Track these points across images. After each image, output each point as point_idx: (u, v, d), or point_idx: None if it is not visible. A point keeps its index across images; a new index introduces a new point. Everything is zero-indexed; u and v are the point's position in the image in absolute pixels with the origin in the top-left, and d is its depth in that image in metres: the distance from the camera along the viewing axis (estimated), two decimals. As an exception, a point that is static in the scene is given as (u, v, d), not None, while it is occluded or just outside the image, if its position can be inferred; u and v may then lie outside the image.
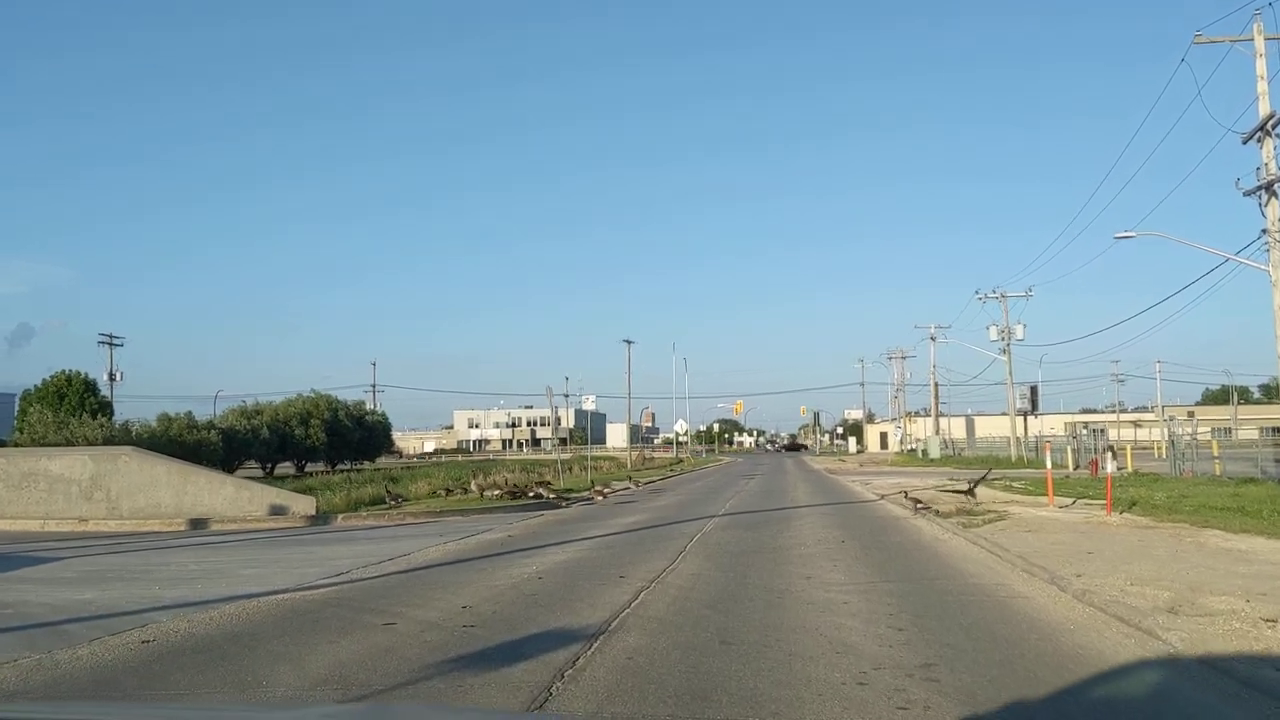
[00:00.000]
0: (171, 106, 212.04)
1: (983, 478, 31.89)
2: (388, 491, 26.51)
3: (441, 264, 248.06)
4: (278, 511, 22.64)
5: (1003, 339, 62.09)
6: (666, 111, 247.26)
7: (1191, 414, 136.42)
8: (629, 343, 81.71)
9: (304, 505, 22.99)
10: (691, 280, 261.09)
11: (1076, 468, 53.86)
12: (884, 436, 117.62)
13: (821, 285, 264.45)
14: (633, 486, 29.14)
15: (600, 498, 29.58)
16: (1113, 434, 78.39)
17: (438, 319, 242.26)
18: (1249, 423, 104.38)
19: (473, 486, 27.74)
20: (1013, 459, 61.74)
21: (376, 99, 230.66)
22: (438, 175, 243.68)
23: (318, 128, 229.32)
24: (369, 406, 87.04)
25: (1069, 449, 56.48)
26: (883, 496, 31.10)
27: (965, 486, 28.02)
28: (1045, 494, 30.55)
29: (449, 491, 26.80)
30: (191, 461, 61.71)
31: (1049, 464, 25.56)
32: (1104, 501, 26.28)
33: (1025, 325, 62.12)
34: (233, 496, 22.87)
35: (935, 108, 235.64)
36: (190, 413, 66.56)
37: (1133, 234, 31.41)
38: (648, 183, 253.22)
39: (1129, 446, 59.25)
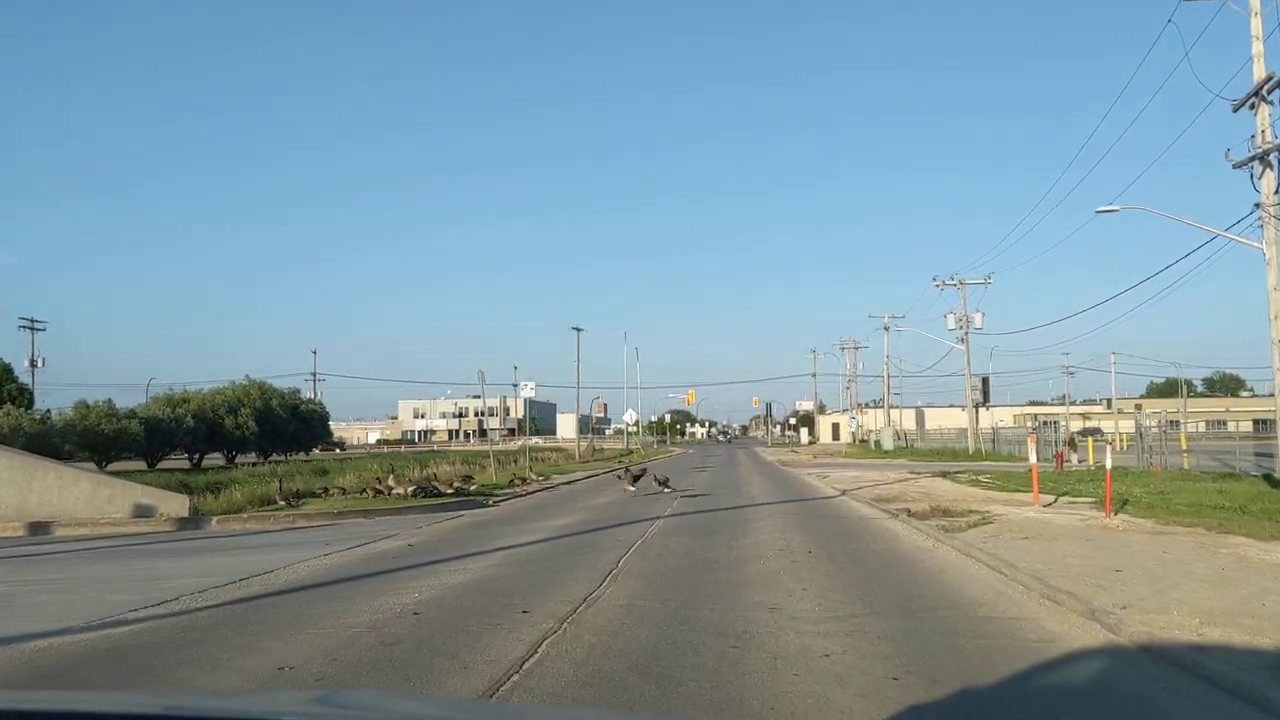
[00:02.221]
0: (112, 87, 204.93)
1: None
2: (281, 490, 23.07)
3: (391, 249, 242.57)
4: (143, 513, 19.17)
5: (960, 328, 59.53)
6: (613, 99, 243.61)
7: (1139, 406, 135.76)
8: (578, 330, 78.43)
9: (175, 506, 19.50)
10: (644, 270, 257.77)
11: (1038, 460, 51.54)
12: (836, 428, 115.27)
13: (774, 276, 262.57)
14: (537, 482, 25.75)
15: (528, 493, 26.29)
16: (1070, 426, 76.22)
17: (383, 306, 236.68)
18: (1195, 415, 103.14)
19: (391, 481, 24.30)
20: (969, 451, 59.25)
21: (324, 80, 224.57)
22: (390, 158, 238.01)
23: (271, 108, 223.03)
24: (305, 395, 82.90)
25: (1029, 441, 53.97)
26: (844, 492, 28.11)
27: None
28: (1019, 490, 27.77)
29: (363, 490, 23.35)
30: (111, 453, 58.49)
31: (1034, 458, 22.71)
32: (1090, 500, 23.51)
33: (984, 314, 59.62)
34: (89, 495, 19.30)
35: (892, 93, 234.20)
36: (110, 400, 62.33)
37: (1115, 208, 28.65)
38: (598, 171, 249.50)
39: (1090, 440, 57.03)
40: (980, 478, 34.15)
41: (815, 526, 18.28)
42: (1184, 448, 41.85)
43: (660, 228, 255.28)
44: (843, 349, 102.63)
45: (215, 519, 19.30)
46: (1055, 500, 23.47)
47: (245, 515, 19.76)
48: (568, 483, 34.90)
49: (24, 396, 76.66)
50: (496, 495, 26.31)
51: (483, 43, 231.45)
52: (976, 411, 62.51)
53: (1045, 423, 67.29)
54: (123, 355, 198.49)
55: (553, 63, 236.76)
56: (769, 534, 16.73)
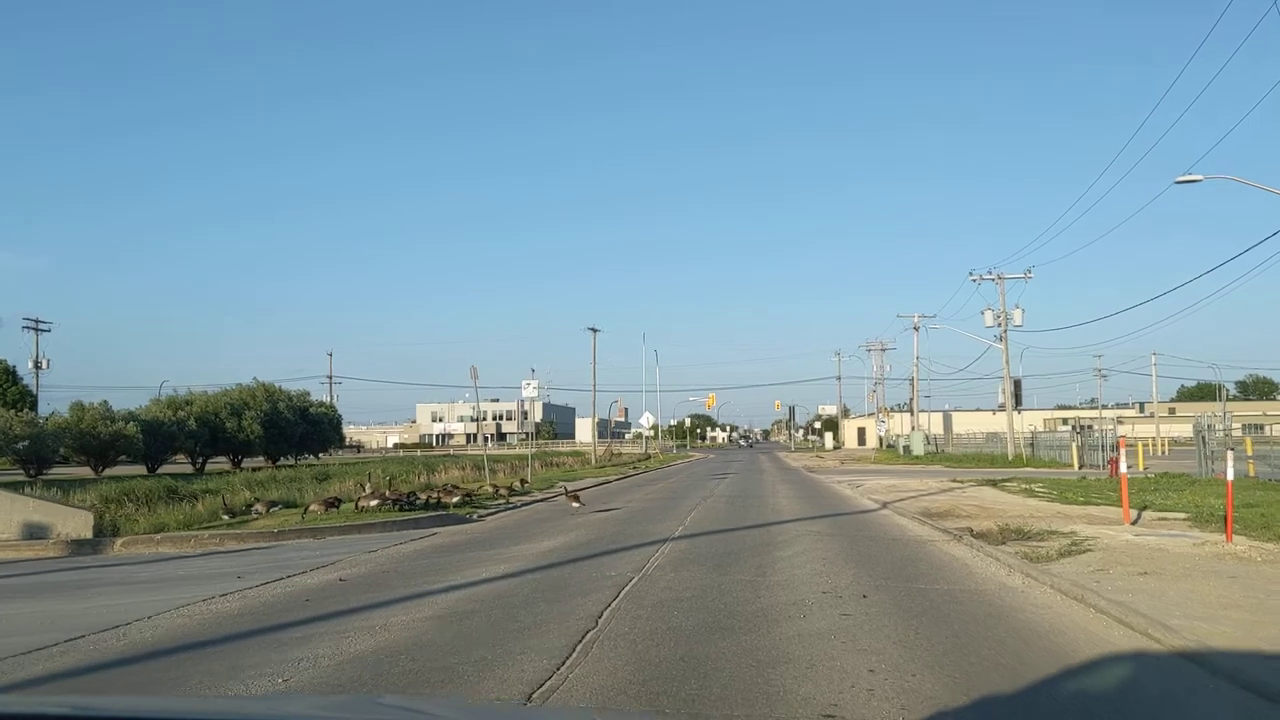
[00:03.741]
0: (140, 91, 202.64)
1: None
2: (225, 506, 19.34)
3: (408, 254, 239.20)
4: (35, 533, 15.48)
5: (999, 325, 55.29)
6: (631, 106, 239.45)
7: (1173, 410, 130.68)
8: (594, 331, 74.68)
9: (75, 525, 15.76)
10: (663, 273, 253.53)
11: (1081, 466, 47.32)
12: (862, 432, 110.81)
13: (796, 277, 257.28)
14: (574, 502, 21.87)
15: (524, 505, 22.43)
16: (1106, 431, 71.73)
17: (402, 311, 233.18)
18: (1233, 419, 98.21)
19: (367, 490, 20.47)
20: (1009, 457, 55.02)
21: (347, 86, 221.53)
22: (406, 164, 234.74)
23: (291, 112, 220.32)
24: (316, 398, 79.35)
25: (1074, 446, 49.80)
26: (884, 505, 24.15)
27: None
28: (1089, 503, 23.77)
29: (330, 504, 19.49)
30: (107, 457, 54.98)
31: (1124, 465, 18.59)
32: (1182, 515, 19.51)
33: (1024, 310, 55.29)
34: (-37, 512, 15.60)
35: (922, 92, 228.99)
36: (105, 403, 58.84)
37: (1198, 177, 24.58)
38: (618, 176, 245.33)
39: (1140, 445, 52.70)
40: (1033, 486, 30.10)
41: (862, 554, 14.35)
42: (1250, 453, 37.65)
43: (680, 230, 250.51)
44: (869, 351, 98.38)
45: (120, 541, 15.54)
46: (1139, 516, 19.47)
47: (159, 537, 15.96)
48: (576, 491, 31.04)
49: (26, 399, 73.85)
50: (487, 507, 22.49)
51: (497, 50, 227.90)
52: (1007, 415, 58.26)
53: (1082, 427, 63.16)
54: (138, 360, 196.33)
55: (568, 69, 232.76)
56: (806, 565, 12.81)
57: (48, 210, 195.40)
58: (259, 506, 19.65)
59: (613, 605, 9.73)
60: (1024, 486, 30.29)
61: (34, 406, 71.04)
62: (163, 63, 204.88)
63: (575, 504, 22.07)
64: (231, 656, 7.81)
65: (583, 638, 8.18)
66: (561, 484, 33.92)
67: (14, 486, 20.80)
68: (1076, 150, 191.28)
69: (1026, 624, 9.05)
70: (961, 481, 34.15)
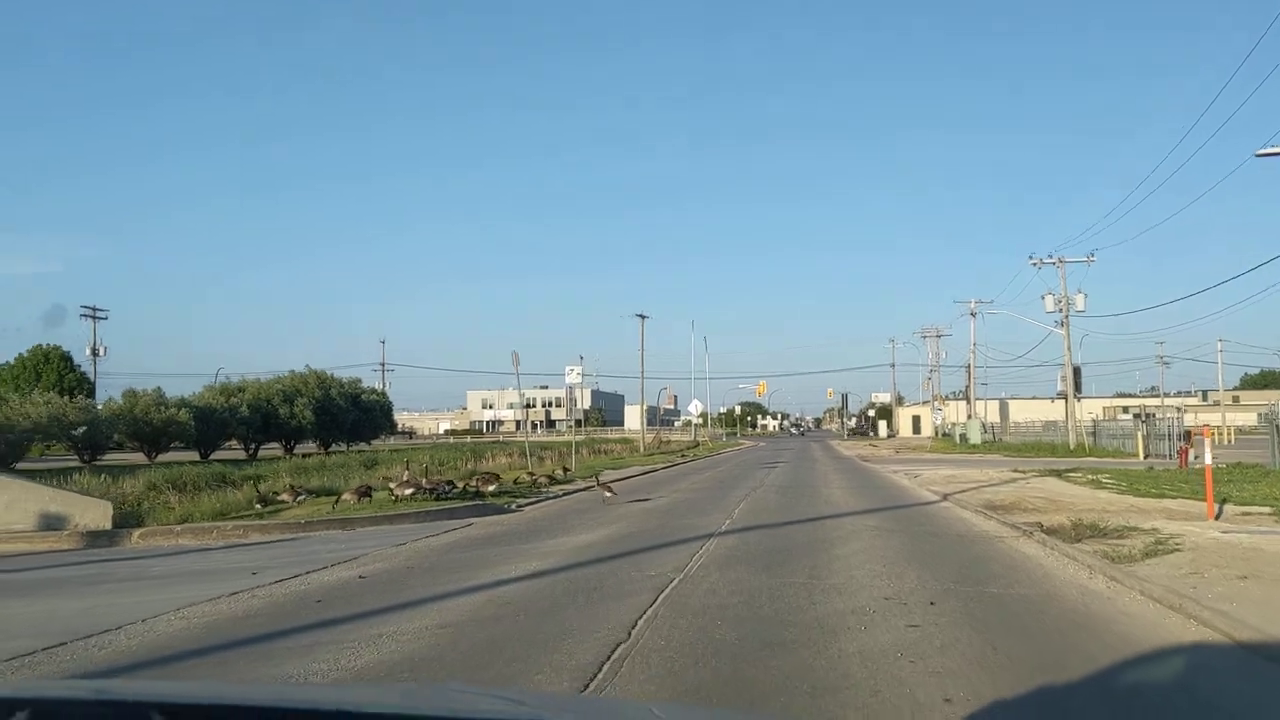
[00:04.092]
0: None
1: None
2: (257, 494, 18.57)
3: (457, 238, 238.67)
4: (53, 524, 14.77)
5: (1060, 310, 53.40)
6: (681, 88, 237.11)
7: (1236, 398, 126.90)
8: (642, 317, 73.70)
9: (94, 516, 15.01)
10: (714, 259, 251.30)
11: (1147, 456, 45.47)
12: (916, 420, 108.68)
13: (850, 263, 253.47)
14: (606, 492, 20.84)
15: (564, 495, 21.46)
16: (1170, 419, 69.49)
17: (454, 297, 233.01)
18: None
19: (392, 484, 19.57)
20: (1070, 446, 53.18)
21: (383, 64, 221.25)
22: (453, 146, 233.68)
23: (338, 91, 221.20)
24: (367, 385, 79.18)
25: (1139, 435, 47.90)
26: (945, 496, 22.89)
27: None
28: (1163, 495, 22.24)
29: (363, 493, 18.62)
30: (160, 443, 54.98)
31: (1207, 456, 17.16)
32: (1268, 509, 18.12)
33: (1086, 295, 53.32)
34: (-21, 501, 14.91)
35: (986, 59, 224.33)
36: (159, 389, 58.98)
37: (1276, 150, 22.94)
38: (665, 159, 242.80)
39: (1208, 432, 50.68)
40: (1100, 477, 28.58)
41: (925, 551, 13.19)
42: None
43: (733, 216, 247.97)
44: (924, 337, 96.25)
45: (138, 533, 14.78)
46: (1221, 510, 18.06)
47: (180, 528, 15.16)
48: (618, 480, 30.02)
49: (83, 386, 74.40)
50: (527, 496, 21.58)
51: (548, 31, 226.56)
52: (1068, 403, 56.37)
53: (1147, 415, 61.10)
54: (199, 349, 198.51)
55: (617, 53, 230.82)
56: (865, 566, 11.68)
57: (109, 198, 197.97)
58: (285, 495, 18.82)
59: (649, 612, 8.69)
60: (1090, 477, 28.79)
61: (91, 393, 71.57)
62: (226, 60, 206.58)
63: (608, 494, 21.09)
64: (217, 669, 6.90)
65: (612, 653, 7.15)
66: (606, 471, 33.02)
67: (34, 475, 20.22)
68: (1145, 126, 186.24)
69: (1121, 638, 7.89)
70: (1024, 472, 32.67)
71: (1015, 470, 34.05)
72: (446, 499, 19.27)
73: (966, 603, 9.30)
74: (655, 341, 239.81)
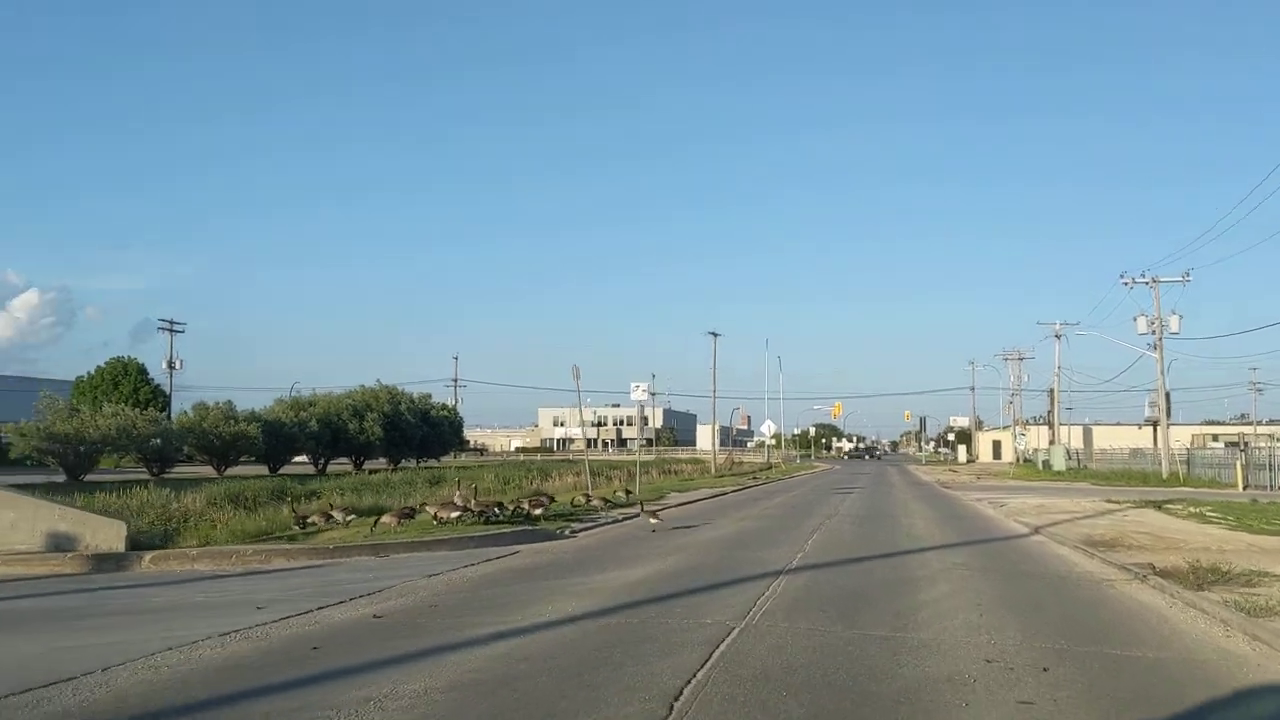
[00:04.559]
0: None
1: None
2: (294, 514, 17.37)
3: (532, 255, 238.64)
4: (62, 544, 13.62)
5: (1153, 331, 50.62)
6: (756, 99, 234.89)
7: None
8: (714, 335, 72.19)
9: (106, 536, 13.83)
10: (789, 277, 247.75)
11: (1246, 487, 42.59)
12: (997, 445, 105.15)
13: (931, 280, 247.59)
14: (651, 519, 19.26)
15: (621, 520, 19.89)
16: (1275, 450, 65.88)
17: (527, 314, 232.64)
18: None
19: (429, 507, 18.19)
20: (1162, 475, 50.27)
21: (462, 69, 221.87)
22: (535, 159, 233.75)
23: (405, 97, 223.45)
24: (437, 401, 78.57)
25: (1238, 465, 45.00)
26: (1036, 529, 20.94)
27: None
28: (1275, 530, 20.16)
29: (405, 515, 17.30)
30: (229, 457, 54.65)
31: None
32: None
33: (1181, 316, 50.51)
34: (-16, 519, 13.81)
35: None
36: (229, 402, 58.67)
37: None
38: (741, 177, 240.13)
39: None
40: (1203, 510, 26.30)
41: (1026, 598, 11.43)
42: None
43: (808, 229, 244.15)
44: (1005, 360, 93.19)
45: (149, 557, 13.54)
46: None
47: (196, 552, 13.91)
48: (684, 503, 28.40)
49: (158, 399, 74.91)
50: (582, 520, 20.12)
51: (619, 31, 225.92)
52: (1155, 431, 53.45)
53: (1245, 444, 57.84)
54: (279, 363, 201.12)
55: (685, 51, 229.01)
56: (958, 615, 9.96)
57: (196, 218, 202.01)
58: (336, 514, 17.61)
59: (699, 675, 7.12)
60: (1192, 510, 26.52)
61: (166, 406, 71.98)
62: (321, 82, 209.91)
63: (654, 521, 19.54)
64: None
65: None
66: (669, 494, 31.42)
67: (44, 490, 19.22)
68: (1241, 145, 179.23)
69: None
70: (1118, 502, 30.39)
71: (1109, 500, 31.75)
72: (495, 523, 17.90)
73: (1085, 669, 7.59)
74: (729, 361, 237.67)
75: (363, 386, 68.32)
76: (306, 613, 9.81)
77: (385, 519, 16.71)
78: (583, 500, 21.71)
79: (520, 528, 17.64)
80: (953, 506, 30.48)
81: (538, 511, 18.98)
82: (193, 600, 10.78)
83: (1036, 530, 20.87)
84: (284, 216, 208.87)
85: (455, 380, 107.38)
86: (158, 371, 79.16)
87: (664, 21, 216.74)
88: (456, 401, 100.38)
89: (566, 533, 18.05)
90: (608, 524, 20.08)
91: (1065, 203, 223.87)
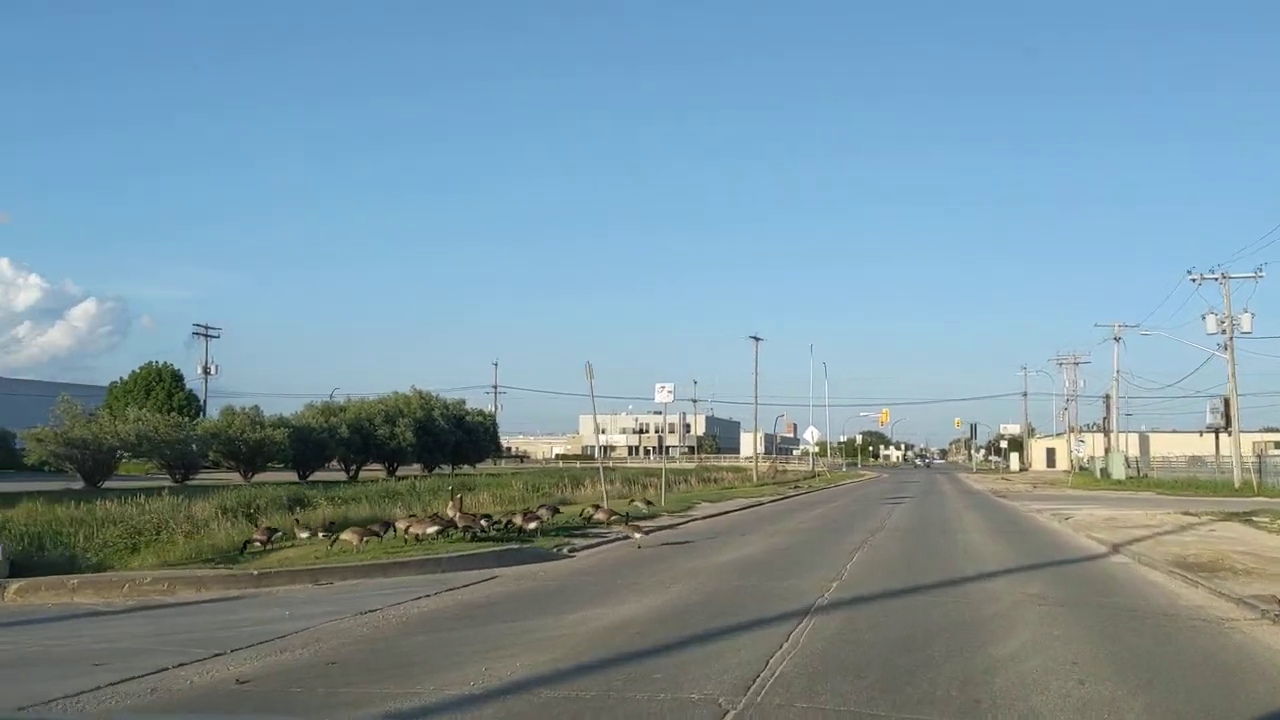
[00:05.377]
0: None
1: None
2: (266, 531, 14.74)
3: (576, 258, 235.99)
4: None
5: (1223, 331, 46.92)
6: (792, 105, 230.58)
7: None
8: (756, 339, 69.28)
9: (-25, 560, 11.33)
10: (835, 282, 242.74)
11: (1325, 500, 38.90)
12: (1051, 453, 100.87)
13: (978, 284, 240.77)
14: (635, 533, 16.43)
15: (633, 536, 17.01)
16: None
17: (569, 320, 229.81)
18: None
19: (402, 522, 15.37)
20: (1235, 484, 46.54)
21: (510, 72, 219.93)
22: (555, 159, 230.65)
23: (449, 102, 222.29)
24: (474, 406, 76.31)
25: (1315, 474, 41.38)
26: (1115, 547, 17.88)
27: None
28: None
29: (369, 534, 14.48)
30: (256, 463, 52.64)
31: None
32: None
33: (1254, 315, 46.77)
34: None
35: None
36: (256, 407, 56.84)
37: None
38: (779, 181, 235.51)
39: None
40: (1288, 523, 23.15)
41: (1135, 653, 8.46)
42: None
43: (852, 231, 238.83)
44: (1060, 364, 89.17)
45: (15, 587, 10.74)
46: None
47: (77, 580, 10.99)
48: (712, 515, 25.46)
49: (192, 404, 73.32)
50: (588, 536, 17.33)
51: (669, 42, 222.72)
52: (1233, 436, 49.67)
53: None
54: (322, 369, 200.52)
55: (741, 64, 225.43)
56: (1048, 685, 7.00)
57: (244, 224, 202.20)
58: (258, 536, 14.92)
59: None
60: (1284, 524, 23.30)
61: (200, 412, 70.37)
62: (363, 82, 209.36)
63: (638, 537, 16.75)
64: None
65: None
66: (701, 505, 28.54)
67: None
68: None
69: None
70: (1196, 515, 27.08)
71: (1185, 513, 28.43)
72: (482, 540, 15.17)
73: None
74: (773, 367, 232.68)
75: (396, 392, 66.28)
76: (155, 672, 7.13)
77: (346, 536, 13.99)
78: (592, 511, 18.87)
79: (509, 546, 14.88)
80: (1013, 519, 27.34)
81: (531, 526, 16.20)
82: (22, 652, 8.13)
83: (1115, 548, 17.81)
84: (336, 222, 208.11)
85: (495, 386, 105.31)
86: (196, 378, 77.74)
87: (730, 42, 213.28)
88: (496, 408, 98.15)
89: (564, 551, 15.27)
90: (617, 540, 17.22)
91: (1124, 196, 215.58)
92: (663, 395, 26.74)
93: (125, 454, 46.47)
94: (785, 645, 8.16)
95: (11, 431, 42.81)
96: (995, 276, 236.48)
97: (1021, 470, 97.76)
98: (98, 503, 22.41)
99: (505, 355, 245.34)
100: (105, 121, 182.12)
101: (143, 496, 22.11)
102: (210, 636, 8.49)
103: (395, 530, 15.25)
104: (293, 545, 15.15)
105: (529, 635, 8.62)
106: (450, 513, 16.85)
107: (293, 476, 52.65)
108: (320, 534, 15.44)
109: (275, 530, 14.97)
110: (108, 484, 40.49)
